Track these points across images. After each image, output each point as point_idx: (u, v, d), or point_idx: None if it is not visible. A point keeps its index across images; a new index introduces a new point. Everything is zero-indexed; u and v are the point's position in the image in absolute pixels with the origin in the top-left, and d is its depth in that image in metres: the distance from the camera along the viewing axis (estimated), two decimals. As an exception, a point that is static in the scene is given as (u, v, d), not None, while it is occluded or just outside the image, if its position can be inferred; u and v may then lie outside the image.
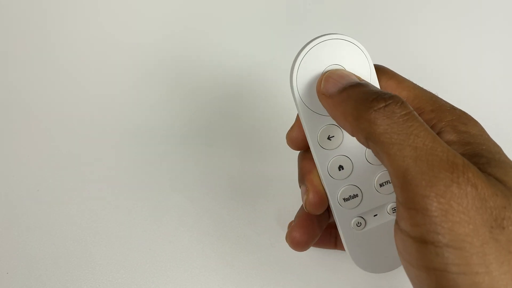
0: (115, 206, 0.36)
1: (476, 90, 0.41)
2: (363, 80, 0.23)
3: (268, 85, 0.41)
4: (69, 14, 0.44)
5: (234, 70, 0.42)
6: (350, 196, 0.26)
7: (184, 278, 0.34)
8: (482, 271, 0.17)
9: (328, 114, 0.24)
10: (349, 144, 0.25)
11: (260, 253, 0.34)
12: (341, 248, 0.28)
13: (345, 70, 0.24)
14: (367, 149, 0.25)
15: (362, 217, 0.26)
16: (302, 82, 0.24)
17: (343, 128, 0.22)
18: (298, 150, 0.28)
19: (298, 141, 0.27)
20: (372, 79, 0.24)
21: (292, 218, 0.29)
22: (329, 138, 0.25)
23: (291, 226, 0.28)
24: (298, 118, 0.26)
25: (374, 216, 0.26)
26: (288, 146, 0.28)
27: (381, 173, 0.26)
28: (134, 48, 0.43)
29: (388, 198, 0.26)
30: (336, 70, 0.23)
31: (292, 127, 0.27)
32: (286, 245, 0.28)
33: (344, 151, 0.25)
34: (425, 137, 0.18)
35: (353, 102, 0.20)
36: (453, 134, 0.21)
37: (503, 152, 0.21)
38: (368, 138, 0.20)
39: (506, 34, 0.44)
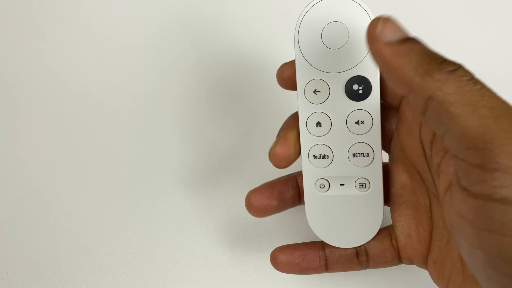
0: (115, 206, 0.36)
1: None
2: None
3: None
4: (70, 12, 0.44)
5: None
6: (320, 155, 0.26)
7: (184, 278, 0.34)
8: None
9: (321, 69, 0.24)
10: (333, 104, 0.25)
11: (260, 253, 0.34)
12: (334, 269, 0.28)
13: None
14: (349, 115, 0.25)
15: (327, 181, 0.26)
16: (304, 34, 0.25)
17: (394, 85, 0.20)
18: (283, 87, 0.27)
19: (287, 77, 0.26)
20: None
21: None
22: (315, 92, 0.25)
23: (251, 190, 0.28)
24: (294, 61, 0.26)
25: (341, 185, 0.26)
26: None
27: (357, 144, 0.26)
28: (134, 47, 0.43)
29: (358, 171, 0.26)
30: (391, 17, 0.20)
31: (287, 63, 0.26)
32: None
33: (326, 109, 0.25)
34: (499, 98, 0.18)
35: (419, 57, 0.19)
36: None
37: None
38: (433, 98, 0.18)
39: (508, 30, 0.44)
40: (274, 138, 0.27)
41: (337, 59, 0.25)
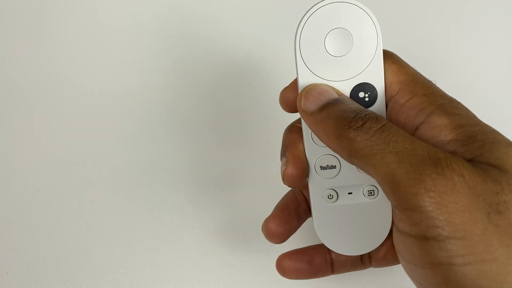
0: (115, 206, 0.36)
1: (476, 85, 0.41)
2: (342, 94, 0.24)
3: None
4: (69, 11, 0.44)
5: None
6: (327, 165, 0.25)
7: (184, 278, 0.33)
8: (488, 258, 0.17)
9: (325, 77, 0.24)
10: None
11: (260, 253, 0.34)
12: (339, 271, 0.28)
13: (323, 84, 0.24)
14: None
15: (335, 191, 0.26)
16: (305, 42, 0.24)
17: (325, 145, 0.23)
18: (287, 111, 0.27)
19: (290, 102, 0.26)
20: (378, 49, 0.24)
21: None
22: None
23: (267, 218, 0.28)
24: (295, 81, 0.26)
25: (349, 194, 0.26)
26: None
27: None
28: (131, 50, 0.43)
29: (366, 180, 0.26)
30: (315, 85, 0.23)
31: (287, 87, 0.26)
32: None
33: None
34: (404, 141, 0.19)
35: (333, 121, 0.21)
36: (444, 117, 0.21)
37: (497, 131, 0.20)
38: (350, 155, 0.20)
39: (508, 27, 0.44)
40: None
41: (342, 67, 0.24)
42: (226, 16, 0.44)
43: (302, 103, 0.23)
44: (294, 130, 0.26)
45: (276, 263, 0.28)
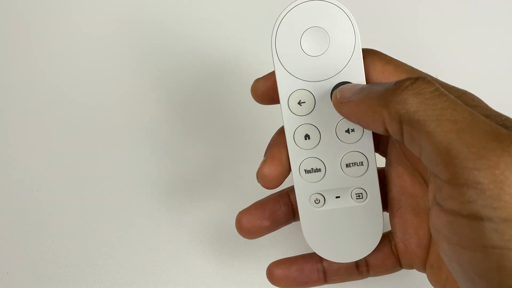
0: (115, 206, 0.36)
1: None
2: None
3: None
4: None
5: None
6: (312, 169, 0.25)
7: (184, 278, 0.34)
8: None
9: (303, 78, 0.23)
10: (320, 114, 0.24)
11: (260, 253, 0.34)
12: (334, 280, 0.27)
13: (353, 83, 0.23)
14: (338, 124, 0.24)
15: (322, 195, 0.25)
16: (281, 42, 0.23)
17: (373, 128, 0.21)
18: (257, 101, 0.26)
19: (261, 92, 0.25)
20: (356, 47, 0.23)
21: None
22: (299, 103, 0.24)
23: (241, 210, 0.27)
24: (270, 73, 0.25)
25: (336, 197, 0.25)
26: None
27: (349, 153, 0.24)
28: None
29: (353, 182, 0.25)
30: (347, 84, 0.23)
31: (260, 77, 0.25)
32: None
33: (313, 121, 0.24)
34: (463, 110, 0.17)
35: (376, 94, 0.20)
36: None
37: None
38: (402, 121, 0.18)
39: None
40: (268, 139, 0.26)
41: (320, 67, 0.24)
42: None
43: (338, 96, 0.22)
44: (283, 132, 0.26)
45: (266, 271, 0.27)
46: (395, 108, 0.18)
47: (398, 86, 0.18)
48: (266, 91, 0.25)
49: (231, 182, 0.37)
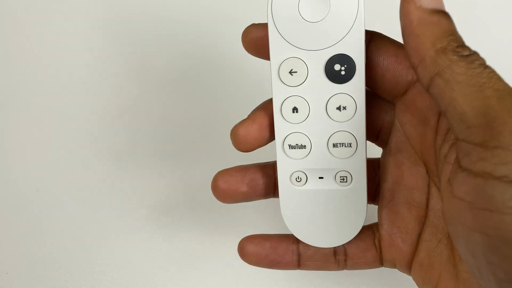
0: (115, 206, 0.36)
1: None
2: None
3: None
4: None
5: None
6: (297, 145, 0.23)
7: (184, 278, 0.34)
8: None
9: (298, 45, 0.22)
10: (312, 87, 0.22)
11: (260, 253, 0.34)
12: (308, 266, 0.26)
13: None
14: (330, 99, 0.23)
15: (305, 173, 0.24)
16: (278, 5, 0.22)
17: (408, 51, 0.20)
18: (245, 49, 0.24)
19: (250, 36, 0.23)
20: (358, 17, 0.21)
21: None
22: (291, 72, 0.22)
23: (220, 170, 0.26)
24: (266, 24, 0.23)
25: (319, 178, 0.24)
26: None
27: (338, 132, 0.23)
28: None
29: (339, 164, 0.23)
30: None
31: (254, 25, 0.24)
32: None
33: (304, 93, 0.23)
34: (507, 84, 0.18)
35: (441, 32, 0.19)
36: None
37: None
38: (441, 75, 0.18)
39: None
40: None
41: (317, 35, 0.22)
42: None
43: None
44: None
45: (238, 245, 0.26)
46: (444, 62, 0.18)
47: (459, 49, 0.18)
48: (256, 39, 0.23)
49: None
